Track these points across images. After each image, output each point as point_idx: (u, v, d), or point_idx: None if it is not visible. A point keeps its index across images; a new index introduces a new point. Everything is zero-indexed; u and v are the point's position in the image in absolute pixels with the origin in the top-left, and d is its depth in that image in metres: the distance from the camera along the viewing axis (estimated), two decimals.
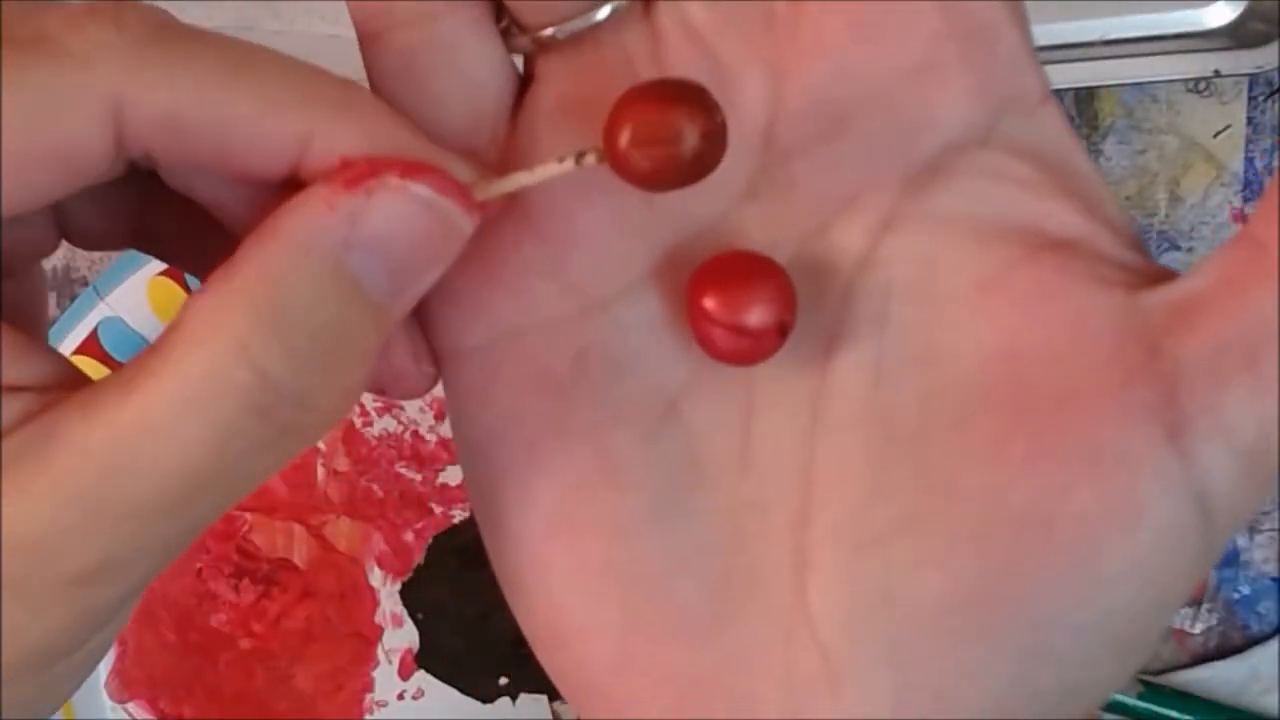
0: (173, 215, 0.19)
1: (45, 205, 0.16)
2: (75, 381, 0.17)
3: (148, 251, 0.20)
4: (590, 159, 0.17)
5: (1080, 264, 0.17)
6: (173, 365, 0.15)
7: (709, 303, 0.18)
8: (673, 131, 0.16)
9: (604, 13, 0.18)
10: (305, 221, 0.16)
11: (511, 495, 0.19)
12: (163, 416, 0.15)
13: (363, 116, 0.17)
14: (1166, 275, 0.17)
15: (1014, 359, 0.17)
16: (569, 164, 0.17)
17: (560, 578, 0.18)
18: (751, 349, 0.18)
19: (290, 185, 0.17)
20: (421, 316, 0.19)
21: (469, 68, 0.18)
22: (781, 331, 0.18)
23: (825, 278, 0.18)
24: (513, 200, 0.18)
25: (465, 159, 0.18)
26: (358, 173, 0.16)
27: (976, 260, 0.18)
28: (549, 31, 0.18)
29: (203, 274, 0.20)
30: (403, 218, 0.16)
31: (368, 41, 0.18)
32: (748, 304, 0.17)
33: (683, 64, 0.18)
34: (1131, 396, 0.16)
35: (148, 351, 0.16)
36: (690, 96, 0.16)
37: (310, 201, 0.16)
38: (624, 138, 0.16)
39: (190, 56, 0.16)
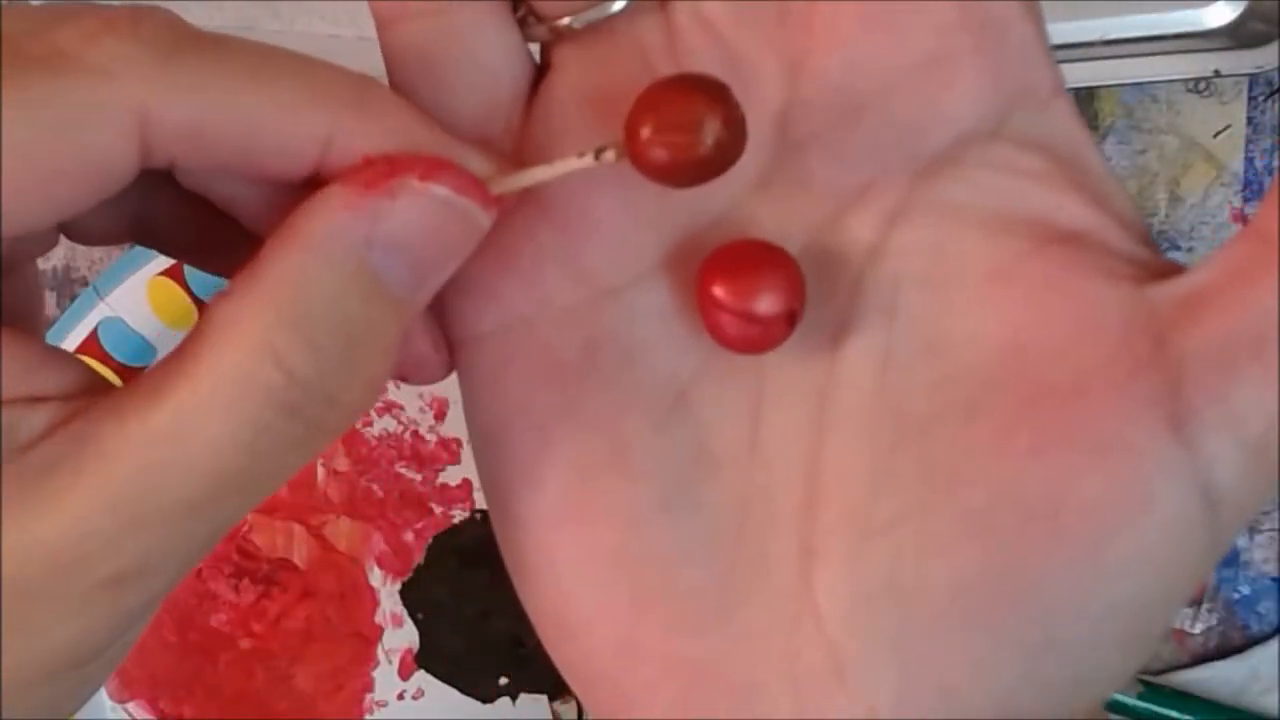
0: (175, 209, 0.19)
1: (67, 219, 0.16)
2: (98, 387, 0.17)
3: (148, 245, 0.20)
4: (610, 154, 0.17)
5: (1088, 257, 0.17)
6: (202, 368, 0.16)
7: (719, 289, 0.18)
8: (694, 129, 0.16)
9: (620, 3, 0.18)
10: (326, 222, 0.16)
11: (521, 483, 0.19)
12: (195, 418, 0.15)
13: (382, 114, 0.17)
14: (1174, 269, 0.17)
15: (1021, 350, 0.17)
16: (588, 159, 0.17)
17: (569, 566, 0.19)
18: (761, 336, 0.18)
19: (310, 182, 0.17)
20: (436, 303, 0.19)
21: (485, 56, 0.18)
22: (790, 319, 0.18)
23: (836, 268, 0.18)
24: (528, 190, 0.18)
25: (483, 152, 0.18)
26: (378, 172, 0.16)
27: (986, 252, 0.18)
28: (566, 21, 0.18)
29: (204, 265, 0.20)
30: (423, 217, 0.17)
31: (384, 29, 0.18)
32: (757, 291, 0.18)
33: (697, 55, 0.18)
34: (1137, 388, 0.16)
35: (175, 355, 0.16)
36: (713, 93, 0.17)
37: (331, 201, 0.16)
38: (645, 134, 0.16)
39: (211, 64, 0.16)
